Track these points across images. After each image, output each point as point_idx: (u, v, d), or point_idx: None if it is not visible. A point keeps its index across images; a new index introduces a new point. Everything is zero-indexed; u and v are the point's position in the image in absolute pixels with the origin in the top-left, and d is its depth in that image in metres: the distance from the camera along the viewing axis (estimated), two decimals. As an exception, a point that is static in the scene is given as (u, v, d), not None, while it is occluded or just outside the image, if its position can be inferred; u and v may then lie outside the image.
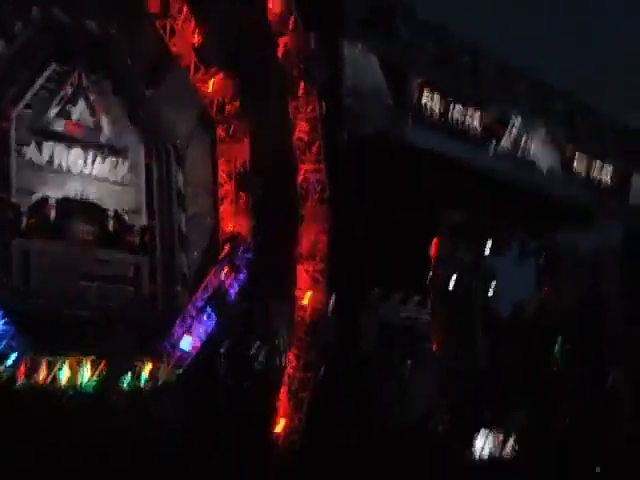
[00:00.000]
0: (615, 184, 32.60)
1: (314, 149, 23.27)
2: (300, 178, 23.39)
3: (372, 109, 25.11)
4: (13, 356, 17.86)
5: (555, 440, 27.06)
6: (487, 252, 31.56)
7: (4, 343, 17.71)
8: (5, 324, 17.73)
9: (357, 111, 24.63)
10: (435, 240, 29.26)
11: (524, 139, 29.35)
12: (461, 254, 31.64)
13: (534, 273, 34.04)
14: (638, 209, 32.33)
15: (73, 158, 20.65)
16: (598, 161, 32.09)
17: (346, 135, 24.76)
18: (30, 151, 19.98)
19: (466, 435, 26.29)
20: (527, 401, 27.87)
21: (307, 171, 23.38)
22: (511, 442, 25.39)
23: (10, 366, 17.88)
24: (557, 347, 32.28)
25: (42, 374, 18.62)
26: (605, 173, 32.36)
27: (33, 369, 18.50)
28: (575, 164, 31.25)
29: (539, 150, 29.95)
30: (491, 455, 24.72)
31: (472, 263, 31.76)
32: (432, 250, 29.19)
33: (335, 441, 20.10)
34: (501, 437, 25.55)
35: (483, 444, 25.72)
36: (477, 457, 24.60)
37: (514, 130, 28.95)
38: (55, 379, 18.75)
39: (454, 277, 30.73)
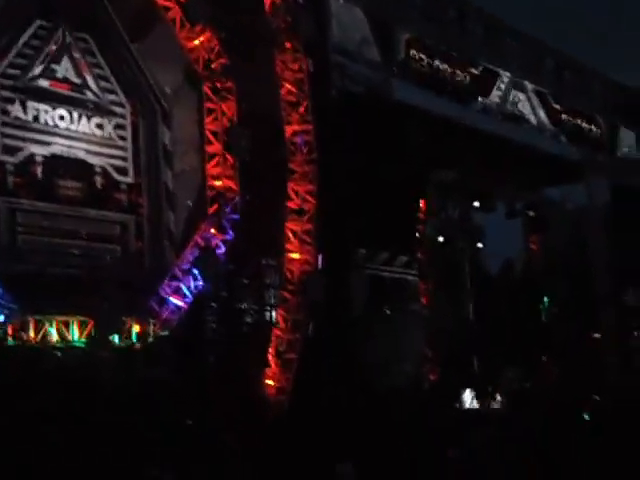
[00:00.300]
0: (603, 139, 32.60)
1: (301, 109, 23.10)
2: (287, 138, 23.24)
3: (359, 66, 24.94)
4: (1, 316, 17.82)
5: (542, 396, 27.24)
6: (475, 210, 31.59)
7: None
8: (-8, 284, 17.65)
9: (344, 68, 24.47)
10: (423, 199, 29.23)
11: (512, 95, 29.27)
12: (449, 212, 31.69)
13: (522, 230, 34.14)
14: (626, 164, 32.34)
15: (58, 116, 20.52)
16: (586, 116, 32.04)
17: (334, 93, 24.64)
18: (15, 109, 19.82)
19: (454, 391, 26.44)
20: (515, 357, 28.03)
21: (294, 131, 23.24)
22: (498, 398, 25.58)
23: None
24: (545, 304, 32.45)
25: (31, 333, 18.65)
26: (593, 128, 32.34)
27: (22, 329, 18.53)
28: (563, 120, 31.19)
29: (527, 106, 29.89)
30: (479, 411, 24.90)
31: (460, 221, 31.82)
32: (420, 209, 29.17)
33: (322, 401, 20.13)
34: (489, 393, 25.73)
35: (471, 400, 25.91)
36: (465, 413, 24.77)
37: (502, 86, 28.85)
38: (45, 338, 18.78)
39: (442, 236, 30.78)
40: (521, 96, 29.76)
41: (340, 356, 22.98)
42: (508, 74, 29.16)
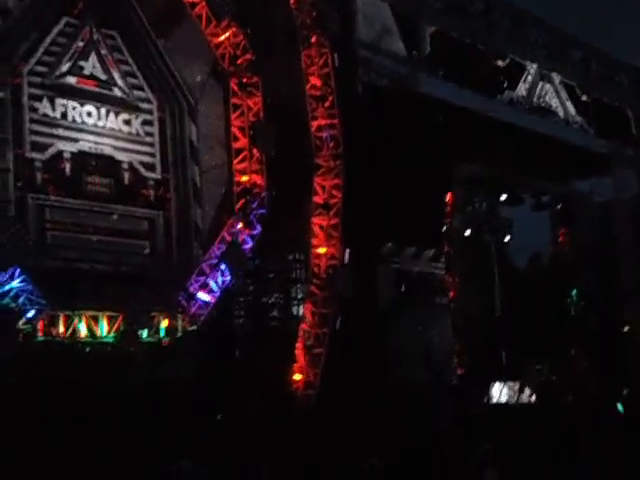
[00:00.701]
0: (631, 131, 32.33)
1: (327, 104, 23.09)
2: (313, 133, 23.25)
3: (384, 60, 24.87)
4: (31, 311, 17.97)
5: (571, 388, 27.14)
6: (502, 203, 31.44)
7: (22, 299, 17.80)
8: (22, 280, 17.80)
9: (369, 62, 24.41)
10: (450, 192, 29.13)
11: (539, 87, 29.06)
12: (475, 206, 31.57)
13: (549, 223, 33.96)
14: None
15: (86, 113, 20.64)
16: (614, 108, 31.80)
17: (359, 87, 24.59)
18: (43, 106, 19.97)
19: (482, 385, 26.38)
20: (543, 351, 27.90)
21: (320, 126, 23.24)
22: (527, 391, 25.49)
23: (29, 321, 18.02)
24: (573, 297, 32.27)
25: (61, 329, 18.81)
26: (621, 120, 32.08)
27: (51, 324, 18.69)
28: (591, 112, 30.97)
29: (554, 98, 29.67)
30: (508, 403, 24.84)
31: (487, 215, 31.69)
32: (446, 202, 29.07)
33: (351, 396, 20.14)
34: (517, 386, 25.66)
35: (499, 393, 25.84)
36: (494, 406, 24.72)
37: (529, 78, 28.66)
38: (74, 333, 18.94)
39: (468, 229, 30.68)
40: (548, 88, 29.54)
41: (367, 350, 22.98)
42: (535, 66, 28.94)
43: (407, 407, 20.50)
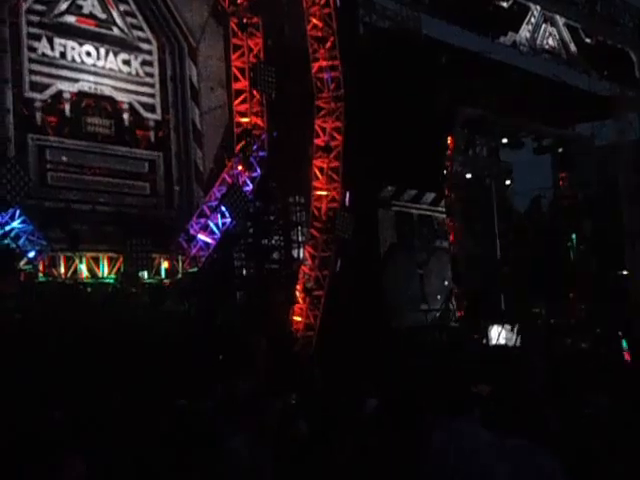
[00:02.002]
0: (634, 75, 32.06)
1: (328, 45, 22.89)
2: (314, 74, 23.09)
3: (386, 1, 24.64)
4: (32, 252, 18.04)
5: (568, 333, 27.33)
6: (503, 147, 31.34)
7: (23, 240, 17.85)
8: (23, 221, 17.82)
9: (371, 3, 24.17)
10: (451, 136, 29.03)
11: (543, 29, 28.77)
12: (477, 149, 31.48)
13: (550, 167, 33.88)
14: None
15: (85, 52, 20.46)
16: (618, 51, 31.49)
17: (361, 28, 24.39)
18: (42, 46, 19.80)
19: (481, 328, 26.57)
20: (542, 295, 28.04)
21: (321, 67, 23.06)
22: (525, 334, 25.66)
23: (30, 261, 18.09)
24: (572, 241, 32.33)
25: (62, 269, 18.90)
26: (624, 63, 31.80)
27: (52, 265, 18.77)
28: (594, 55, 30.68)
29: (558, 40, 29.39)
30: (505, 345, 25.03)
31: (488, 158, 31.62)
32: (448, 146, 28.98)
33: (351, 338, 20.27)
34: (515, 329, 25.82)
35: (498, 336, 26.02)
36: (492, 349, 24.91)
37: (533, 20, 28.35)
38: (75, 274, 19.03)
39: (469, 173, 30.63)
40: (552, 30, 29.24)
41: (367, 292, 23.10)
42: (539, 7, 28.60)
43: (405, 349, 20.65)
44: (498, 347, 25.22)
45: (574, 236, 32.61)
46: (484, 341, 26.15)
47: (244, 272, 23.40)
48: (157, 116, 21.78)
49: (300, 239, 24.20)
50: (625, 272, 30.97)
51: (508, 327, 26.23)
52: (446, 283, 29.04)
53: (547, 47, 29.20)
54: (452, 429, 3.58)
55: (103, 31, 20.81)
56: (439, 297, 28.70)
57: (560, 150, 33.15)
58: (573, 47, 30.01)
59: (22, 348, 14.53)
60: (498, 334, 26.11)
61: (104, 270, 19.52)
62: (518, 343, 25.29)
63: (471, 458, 3.18)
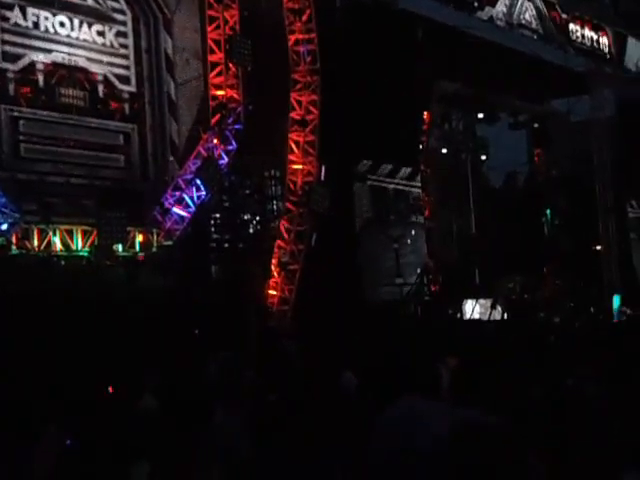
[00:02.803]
0: (610, 50, 32.18)
1: (304, 17, 22.76)
2: (290, 47, 22.96)
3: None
4: (5, 225, 17.89)
5: (542, 306, 27.56)
6: (479, 122, 31.38)
7: (-4, 212, 17.71)
8: (-5, 194, 17.68)
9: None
10: (427, 110, 29.01)
11: (519, 4, 28.75)
12: (453, 124, 31.50)
13: (526, 143, 33.97)
14: (632, 75, 31.97)
15: (59, 23, 20.21)
16: (594, 26, 31.56)
17: (338, 2, 24.25)
18: (14, 15, 19.52)
19: (455, 302, 26.72)
20: (517, 270, 28.23)
21: (297, 40, 22.93)
22: (499, 308, 25.85)
23: (3, 234, 17.95)
24: (547, 216, 32.53)
25: (35, 242, 18.77)
26: (600, 39, 31.90)
27: (25, 237, 18.64)
28: (570, 30, 30.74)
29: (534, 16, 29.40)
30: (480, 321, 25.21)
31: (464, 133, 31.65)
32: (423, 120, 28.98)
33: (326, 312, 20.32)
34: (489, 303, 26.00)
35: (472, 310, 26.19)
36: (466, 323, 25.09)
37: (509, -5, 28.37)
38: (49, 247, 18.91)
39: (445, 147, 30.66)
40: (528, 5, 29.23)
41: (343, 267, 23.13)
42: (515, -18, 28.61)
43: (380, 323, 20.72)
44: (472, 321, 25.38)
45: (549, 211, 32.79)
46: (458, 315, 26.31)
47: (219, 246, 23.33)
48: (132, 88, 21.58)
49: (275, 213, 24.17)
50: (599, 247, 31.20)
51: (482, 302, 26.40)
52: (421, 258, 29.13)
53: (524, 22, 29.22)
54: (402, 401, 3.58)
55: (77, 1, 20.51)
56: (414, 272, 28.78)
57: (536, 125, 33.26)
58: (550, 22, 30.04)
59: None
60: (472, 309, 26.28)
61: (78, 243, 19.41)
62: (492, 317, 25.47)
63: (417, 425, 3.17)
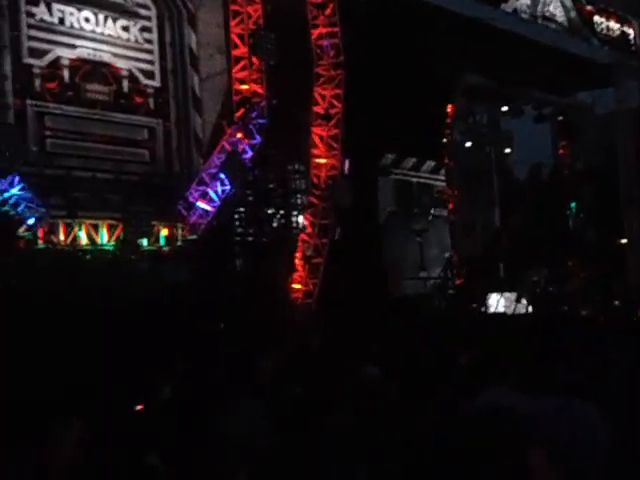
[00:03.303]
0: (635, 42, 31.89)
1: (328, 11, 22.76)
2: (314, 41, 22.98)
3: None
4: (31, 219, 18.06)
5: (568, 298, 27.43)
6: (503, 115, 31.23)
7: (22, 207, 17.86)
8: (22, 188, 17.83)
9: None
10: (451, 103, 28.93)
11: (543, -5, 28.62)
12: (477, 117, 31.38)
13: (550, 136, 33.77)
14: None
15: (84, 18, 20.36)
16: (619, 18, 31.29)
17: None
18: (40, 11, 19.70)
19: (480, 295, 26.65)
20: (541, 263, 28.10)
21: (321, 34, 22.94)
22: (524, 301, 25.76)
23: (29, 228, 18.12)
24: (572, 209, 32.34)
25: (61, 236, 18.94)
26: (625, 30, 31.62)
27: (51, 232, 18.81)
28: (595, 22, 30.50)
29: (559, 7, 29.22)
30: (505, 314, 25.13)
31: (488, 127, 31.53)
32: (448, 113, 28.90)
33: (349, 306, 20.34)
34: (514, 296, 25.92)
35: (497, 303, 26.12)
36: (490, 316, 25.01)
37: (533, -14, 28.20)
38: (74, 241, 19.07)
39: (469, 141, 30.56)
40: (553, -3, 29.09)
41: (367, 260, 23.16)
42: (540, -26, 28.44)
43: (404, 316, 20.72)
44: (497, 315, 25.31)
45: (573, 204, 32.61)
46: (482, 309, 26.25)
47: (243, 240, 23.42)
48: (156, 83, 21.72)
49: (299, 207, 24.22)
50: (624, 240, 31.01)
51: (507, 295, 26.33)
52: (445, 251, 29.10)
53: (548, 14, 29.03)
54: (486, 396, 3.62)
55: (102, -3, 20.72)
56: (438, 265, 28.76)
57: (560, 118, 33.04)
58: (574, 14, 29.84)
59: (20, 315, 14.57)
60: (497, 302, 26.21)
61: (103, 237, 19.56)
62: (517, 311, 25.39)
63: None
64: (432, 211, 29.79)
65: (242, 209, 23.21)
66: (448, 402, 4.81)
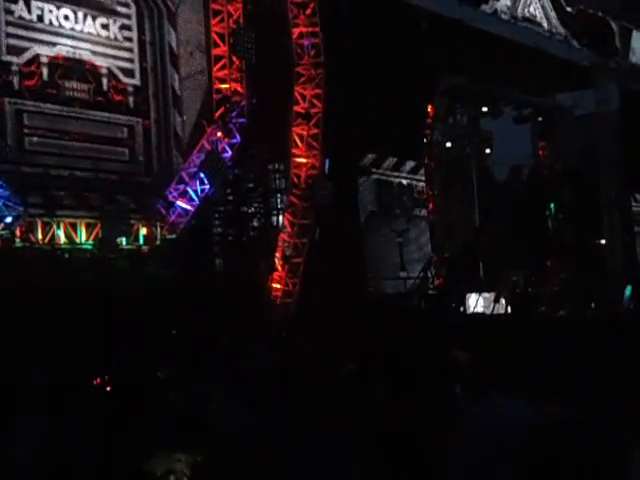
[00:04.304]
0: (615, 44, 32.04)
1: (308, 11, 22.75)
2: (294, 40, 22.95)
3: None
4: (9, 217, 17.93)
5: (547, 298, 27.53)
6: (483, 115, 31.31)
7: (0, 205, 17.73)
8: (0, 187, 17.70)
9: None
10: (431, 104, 28.97)
11: (524, -3, 28.72)
12: (457, 117, 31.44)
13: (530, 137, 33.89)
14: (637, 69, 31.87)
15: (63, 16, 20.23)
16: (598, 20, 31.43)
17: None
18: (19, 8, 19.55)
19: (459, 295, 26.72)
20: (520, 263, 28.20)
21: (301, 33, 22.92)
22: (503, 301, 25.84)
23: (7, 227, 17.99)
24: (551, 210, 32.48)
25: (39, 235, 18.82)
26: (605, 32, 31.76)
27: (29, 230, 18.69)
28: (575, 23, 30.62)
29: (539, 9, 29.33)
30: (483, 314, 25.21)
31: (468, 127, 31.59)
32: (428, 114, 28.94)
33: (329, 305, 20.34)
34: (493, 297, 26.00)
35: (476, 303, 26.20)
36: (469, 316, 25.09)
37: (514, -12, 28.30)
38: (53, 239, 18.95)
39: (449, 141, 30.62)
40: (533, -2, 29.18)
41: (347, 260, 23.14)
42: (520, -25, 28.54)
43: (383, 316, 20.72)
44: (475, 315, 25.38)
45: (553, 205, 32.74)
46: (462, 309, 26.31)
47: (223, 240, 23.36)
48: (136, 81, 21.60)
49: (279, 206, 24.18)
50: (602, 241, 31.16)
51: (486, 295, 26.41)
52: (425, 251, 29.14)
53: (528, 15, 29.15)
54: (486, 402, 3.61)
55: (81, -6, 20.59)
56: (418, 265, 28.79)
57: (540, 119, 33.18)
58: (554, 16, 29.96)
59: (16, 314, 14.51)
60: (476, 302, 26.29)
61: (82, 236, 19.46)
62: (496, 311, 25.47)
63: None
64: (412, 211, 29.83)
65: (222, 208, 23.14)
66: (434, 402, 4.80)
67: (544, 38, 29.40)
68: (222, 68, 22.11)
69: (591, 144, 31.05)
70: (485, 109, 30.93)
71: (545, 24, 29.59)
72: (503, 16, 27.98)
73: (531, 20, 29.13)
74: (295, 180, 23.22)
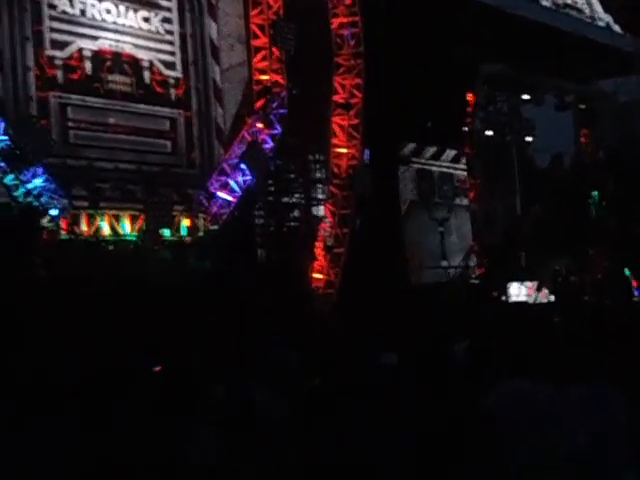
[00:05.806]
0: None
1: (348, 1, 22.80)
2: (334, 31, 23.00)
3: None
4: (54, 210, 18.20)
5: (590, 287, 27.31)
6: (524, 103, 31.08)
7: (45, 197, 18.00)
8: (45, 179, 17.97)
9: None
10: (472, 92, 28.84)
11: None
12: (498, 105, 31.25)
13: (572, 124, 33.59)
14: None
15: (105, 10, 20.44)
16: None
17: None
18: (62, 3, 19.78)
19: (501, 284, 26.60)
20: (563, 252, 28.00)
21: (341, 24, 22.95)
22: (545, 291, 25.69)
23: (53, 220, 18.26)
24: (594, 198, 32.17)
25: (84, 227, 19.09)
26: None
27: (74, 222, 18.96)
28: (617, 9, 30.28)
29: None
30: (526, 303, 25.08)
31: (509, 115, 31.39)
32: (468, 102, 28.82)
33: (370, 295, 20.38)
34: (535, 285, 25.85)
35: (518, 292, 26.06)
36: (511, 305, 24.98)
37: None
38: (97, 231, 19.22)
39: (490, 129, 30.46)
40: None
41: (388, 249, 23.19)
42: (561, -39, 28.30)
43: (424, 306, 20.73)
44: (518, 304, 25.26)
45: (596, 193, 32.44)
46: (503, 298, 26.20)
47: (264, 230, 23.51)
48: (177, 73, 21.79)
49: (320, 197, 24.27)
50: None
51: (528, 284, 26.27)
52: (466, 240, 29.07)
53: (569, 1, 28.89)
54: (505, 386, 3.67)
55: (123, -12, 20.80)
56: (459, 254, 28.74)
57: (582, 106, 32.86)
58: (596, 2, 29.67)
59: (48, 305, 14.72)
60: (518, 291, 26.16)
61: (126, 228, 19.70)
62: (538, 300, 25.34)
63: (533, 410, 3.26)
64: (453, 200, 29.75)
65: (263, 199, 23.27)
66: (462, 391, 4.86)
67: (586, 24, 29.13)
68: (262, 59, 22.21)
69: (634, 131, 30.72)
70: (526, 97, 30.70)
71: (587, 10, 29.31)
72: (544, 3, 27.75)
73: (572, 6, 28.87)
74: (336, 170, 23.29)
